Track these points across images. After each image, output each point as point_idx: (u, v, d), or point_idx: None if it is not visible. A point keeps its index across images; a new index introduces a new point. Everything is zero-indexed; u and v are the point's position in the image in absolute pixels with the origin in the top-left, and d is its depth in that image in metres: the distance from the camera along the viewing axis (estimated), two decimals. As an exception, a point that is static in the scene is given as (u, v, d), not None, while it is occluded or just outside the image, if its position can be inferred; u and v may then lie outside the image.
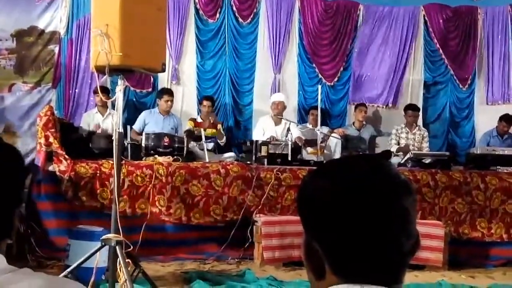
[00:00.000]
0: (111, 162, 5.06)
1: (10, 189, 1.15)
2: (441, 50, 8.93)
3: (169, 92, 7.48)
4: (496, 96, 8.98)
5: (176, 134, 6.74)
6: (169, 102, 7.29)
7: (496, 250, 6.16)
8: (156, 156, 5.82)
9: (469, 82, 9.04)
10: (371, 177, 0.99)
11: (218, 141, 7.49)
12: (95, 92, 7.00)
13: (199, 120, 7.59)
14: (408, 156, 6.70)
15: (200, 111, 7.89)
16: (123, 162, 5.06)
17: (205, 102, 7.68)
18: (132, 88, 7.97)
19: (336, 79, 8.76)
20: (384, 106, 8.90)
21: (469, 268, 5.76)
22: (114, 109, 4.80)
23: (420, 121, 8.40)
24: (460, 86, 9.02)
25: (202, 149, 6.45)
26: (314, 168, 1.12)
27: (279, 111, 7.48)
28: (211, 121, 7.48)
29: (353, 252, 0.97)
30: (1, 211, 1.14)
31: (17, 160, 1.20)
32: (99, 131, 6.87)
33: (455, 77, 9.00)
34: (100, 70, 3.63)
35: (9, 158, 1.17)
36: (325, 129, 7.75)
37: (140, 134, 6.69)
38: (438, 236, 5.60)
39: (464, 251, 6.00)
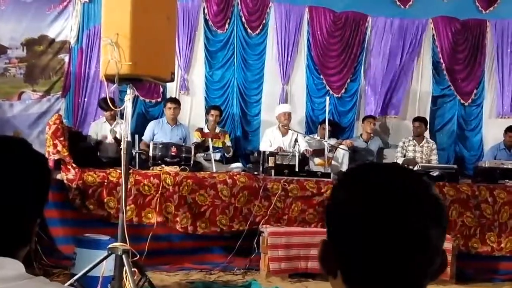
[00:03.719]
0: (119, 171, 5.08)
1: (37, 199, 1.16)
2: (447, 64, 8.91)
3: (172, 99, 7.53)
4: (505, 109, 8.94)
5: (184, 144, 6.75)
6: (172, 110, 7.27)
7: (504, 264, 6.10)
8: (163, 166, 5.83)
9: (476, 95, 9.02)
10: (387, 192, 0.95)
11: (225, 154, 7.48)
12: (102, 107, 7.04)
13: (205, 130, 7.59)
14: (415, 168, 6.67)
15: (207, 121, 7.91)
16: (131, 171, 5.07)
17: (212, 112, 7.69)
18: (141, 98, 8.00)
19: (343, 90, 8.76)
20: (392, 118, 8.89)
21: (476, 282, 5.71)
22: (122, 119, 4.82)
23: (427, 133, 8.38)
24: (462, 101, 8.99)
25: (209, 160, 6.45)
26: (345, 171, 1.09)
27: (287, 121, 7.48)
28: (218, 133, 7.48)
29: (363, 266, 0.96)
30: (26, 220, 1.14)
31: (47, 171, 1.20)
32: (107, 140, 6.91)
33: (461, 90, 8.98)
34: (110, 79, 3.65)
35: (41, 169, 1.18)
36: (333, 141, 7.74)
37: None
38: (445, 250, 5.55)
39: (472, 265, 5.95)
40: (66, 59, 7.76)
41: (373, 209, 0.94)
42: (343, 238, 0.98)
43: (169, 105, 7.33)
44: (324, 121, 7.21)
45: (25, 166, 1.14)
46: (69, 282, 3.72)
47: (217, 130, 7.65)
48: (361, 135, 8.26)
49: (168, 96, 8.06)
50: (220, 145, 7.41)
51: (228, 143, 7.63)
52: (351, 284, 0.98)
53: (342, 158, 7.59)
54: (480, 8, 8.92)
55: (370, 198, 0.95)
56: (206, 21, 8.33)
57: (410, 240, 0.94)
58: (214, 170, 6.07)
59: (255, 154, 6.64)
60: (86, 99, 7.77)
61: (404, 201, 0.95)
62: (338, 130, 8.58)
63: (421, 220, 0.95)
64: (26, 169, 1.14)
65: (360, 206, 0.96)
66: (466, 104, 8.99)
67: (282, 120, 7.49)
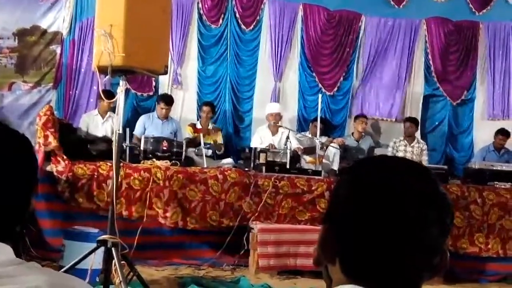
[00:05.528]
0: (109, 164, 5.06)
1: (27, 180, 1.15)
2: (439, 65, 8.93)
3: (166, 100, 7.31)
4: (496, 111, 8.99)
5: (175, 139, 6.71)
6: (164, 110, 7.21)
7: (491, 265, 6.13)
8: (154, 160, 5.80)
9: (467, 96, 9.06)
10: (387, 186, 0.96)
11: (217, 151, 7.42)
12: (101, 98, 6.96)
13: (198, 126, 7.54)
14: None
15: (199, 117, 7.87)
16: (121, 164, 5.04)
17: (204, 108, 7.66)
18: (133, 91, 7.95)
19: (335, 89, 8.77)
20: (384, 118, 8.90)
21: (464, 283, 5.74)
22: (114, 112, 4.78)
23: (418, 134, 8.40)
24: (454, 102, 9.02)
25: (200, 155, 6.42)
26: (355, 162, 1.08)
27: (276, 121, 7.42)
28: (211, 130, 7.43)
29: (360, 256, 0.96)
30: (18, 197, 1.12)
31: (31, 148, 1.19)
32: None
33: (453, 91, 9.01)
34: (102, 70, 3.63)
35: (26, 145, 1.17)
36: (324, 139, 7.73)
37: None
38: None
39: (460, 265, 5.97)
40: (58, 50, 7.70)
41: (365, 205, 0.95)
42: (339, 231, 0.99)
43: (162, 105, 7.21)
44: (316, 119, 7.20)
45: (8, 151, 1.12)
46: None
47: (210, 126, 7.61)
48: (352, 133, 8.28)
49: (160, 90, 8.02)
50: (211, 141, 7.37)
51: (220, 141, 7.58)
52: (347, 274, 0.98)
53: (333, 156, 7.60)
54: (473, 10, 8.95)
55: (364, 195, 0.96)
56: (200, 15, 8.30)
57: (403, 237, 0.94)
58: (205, 166, 6.04)
59: (247, 151, 6.62)
60: (77, 91, 7.71)
61: (400, 198, 0.95)
62: (330, 128, 8.58)
63: (418, 217, 0.94)
64: (9, 152, 1.12)
65: (352, 204, 0.97)
66: (455, 104, 9.02)
67: (270, 120, 7.43)
